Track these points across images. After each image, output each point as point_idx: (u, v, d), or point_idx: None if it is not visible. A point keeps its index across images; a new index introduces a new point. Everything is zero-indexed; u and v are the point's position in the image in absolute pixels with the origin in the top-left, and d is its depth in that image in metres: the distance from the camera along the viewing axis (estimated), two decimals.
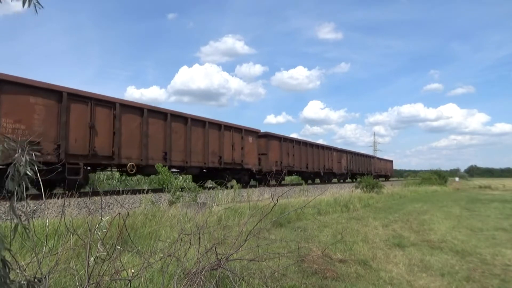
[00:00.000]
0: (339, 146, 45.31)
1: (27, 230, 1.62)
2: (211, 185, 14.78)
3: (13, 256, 1.91)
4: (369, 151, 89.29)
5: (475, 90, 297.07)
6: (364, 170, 36.79)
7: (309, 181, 25.84)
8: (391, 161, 55.04)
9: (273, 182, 18.03)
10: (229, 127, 15.87)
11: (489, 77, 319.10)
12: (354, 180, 36.03)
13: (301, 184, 19.96)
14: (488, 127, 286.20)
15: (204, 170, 15.25)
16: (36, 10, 1.53)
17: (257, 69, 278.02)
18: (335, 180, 30.15)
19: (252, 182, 21.43)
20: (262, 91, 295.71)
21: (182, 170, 13.42)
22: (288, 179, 28.64)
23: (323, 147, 26.97)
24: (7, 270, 1.40)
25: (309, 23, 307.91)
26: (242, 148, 16.49)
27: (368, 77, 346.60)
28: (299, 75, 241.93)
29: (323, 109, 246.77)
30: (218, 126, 15.18)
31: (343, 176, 31.63)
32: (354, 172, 34.09)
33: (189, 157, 13.26)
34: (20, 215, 1.54)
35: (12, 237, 1.51)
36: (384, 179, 44.29)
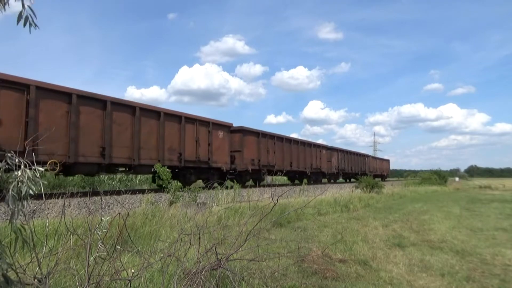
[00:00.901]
0: (340, 146, 44.15)
1: (27, 242, 1.61)
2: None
3: (12, 257, 1.91)
4: (369, 151, 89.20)
5: (475, 90, 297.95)
6: (358, 169, 35.18)
7: (296, 182, 23.82)
8: (388, 161, 53.56)
9: (251, 183, 16.93)
10: (192, 120, 13.74)
11: (489, 77, 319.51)
12: (347, 180, 34.86)
13: (286, 185, 19.29)
14: (488, 127, 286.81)
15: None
16: (30, 30, 1.51)
17: (258, 69, 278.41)
18: (325, 180, 28.37)
19: (251, 182, 20.93)
20: (262, 91, 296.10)
21: (129, 168, 11.49)
22: (272, 179, 26.85)
23: (310, 144, 24.75)
24: (9, 285, 1.40)
25: (310, 23, 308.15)
26: (209, 144, 14.44)
27: (369, 77, 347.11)
28: (299, 75, 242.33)
29: (323, 109, 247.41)
30: (178, 118, 13.09)
31: (333, 176, 29.72)
32: (347, 171, 32.37)
33: (138, 154, 11.22)
34: (20, 230, 1.53)
35: (13, 249, 1.50)
36: (380, 179, 43.62)
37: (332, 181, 29.14)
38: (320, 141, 54.40)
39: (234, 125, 16.75)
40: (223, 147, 15.39)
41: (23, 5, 1.46)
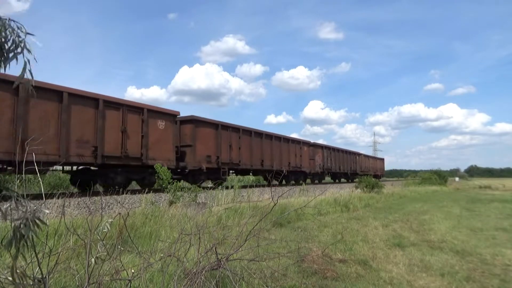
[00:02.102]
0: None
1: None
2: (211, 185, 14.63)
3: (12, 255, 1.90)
4: (369, 151, 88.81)
5: (475, 90, 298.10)
6: (347, 168, 31.96)
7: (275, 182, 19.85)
8: (382, 160, 50.24)
9: (209, 184, 14.06)
10: (117, 105, 10.69)
11: (489, 77, 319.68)
12: (336, 181, 31.98)
13: (261, 186, 16.42)
14: (488, 127, 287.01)
15: (78, 167, 11.08)
16: (29, 91, 1.51)
17: (258, 69, 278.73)
18: (308, 181, 25.00)
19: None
20: (263, 91, 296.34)
21: (10, 166, 8.68)
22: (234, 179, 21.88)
23: (287, 139, 21.51)
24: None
25: (310, 23, 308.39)
26: (143, 136, 11.39)
27: (369, 77, 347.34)
28: (299, 75, 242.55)
29: (323, 109, 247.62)
30: (93, 101, 10.02)
31: (317, 176, 26.36)
32: (334, 171, 29.17)
33: (21, 146, 7.98)
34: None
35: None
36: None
37: (316, 181, 25.73)
38: (320, 141, 52.06)
39: (176, 113, 13.12)
40: (165, 141, 12.27)
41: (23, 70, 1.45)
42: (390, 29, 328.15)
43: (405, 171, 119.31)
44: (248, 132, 17.52)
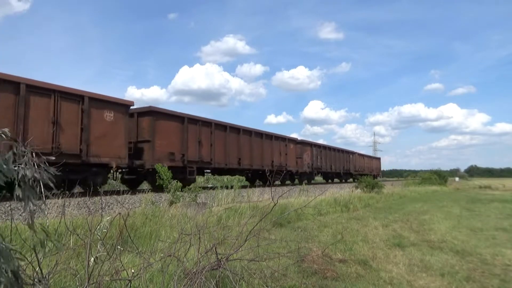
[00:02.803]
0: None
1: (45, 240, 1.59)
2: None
3: (24, 256, 1.90)
4: (369, 151, 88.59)
5: (475, 90, 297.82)
6: (340, 168, 30.17)
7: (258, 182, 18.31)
8: (378, 159, 48.60)
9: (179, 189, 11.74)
10: (46, 91, 9.03)
11: (490, 77, 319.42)
12: (328, 181, 30.59)
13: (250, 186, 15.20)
14: (488, 127, 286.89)
15: None
16: None
17: (258, 69, 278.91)
18: (296, 181, 23.19)
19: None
20: (263, 91, 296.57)
21: None
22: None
23: (270, 136, 19.57)
24: (19, 282, 1.40)
25: (310, 22, 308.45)
26: (82, 130, 9.65)
27: (369, 77, 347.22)
28: (300, 75, 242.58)
29: (323, 109, 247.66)
30: (14, 86, 8.38)
31: (305, 175, 24.13)
32: (324, 170, 27.24)
33: None
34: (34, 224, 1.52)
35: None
36: None
37: (305, 182, 23.12)
38: (320, 141, 50.84)
39: (129, 103, 11.27)
40: (114, 135, 10.55)
41: None
42: (390, 29, 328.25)
43: (405, 171, 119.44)
44: (222, 127, 15.67)
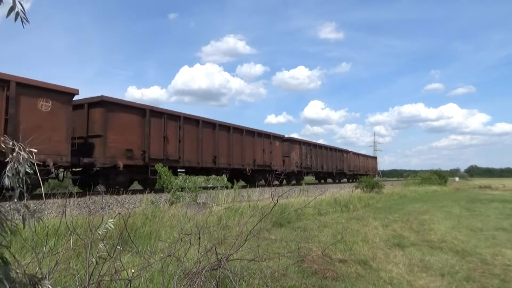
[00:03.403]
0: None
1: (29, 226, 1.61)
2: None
3: (13, 256, 1.91)
4: (369, 151, 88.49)
5: (476, 90, 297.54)
6: (332, 167, 28.63)
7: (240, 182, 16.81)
8: (375, 158, 47.26)
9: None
10: None
11: (490, 77, 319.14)
12: (321, 181, 29.39)
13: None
14: (488, 127, 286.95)
15: None
16: (23, 25, 1.50)
17: (258, 69, 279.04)
18: (285, 182, 21.36)
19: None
20: (263, 91, 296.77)
21: None
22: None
23: (252, 132, 17.80)
24: (7, 267, 1.40)
25: (311, 22, 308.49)
26: (7, 121, 8.24)
27: (369, 77, 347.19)
28: (300, 75, 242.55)
29: (323, 109, 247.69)
30: None
31: (294, 175, 22.32)
32: (315, 170, 25.53)
33: None
34: (24, 213, 1.53)
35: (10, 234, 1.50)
36: None
37: (293, 182, 21.87)
38: (320, 141, 49.50)
39: (67, 92, 9.49)
40: (52, 128, 9.11)
41: (13, 1, 1.46)
42: (390, 29, 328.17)
43: (405, 171, 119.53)
44: (193, 121, 13.99)
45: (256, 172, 17.77)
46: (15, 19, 1.46)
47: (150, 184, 11.89)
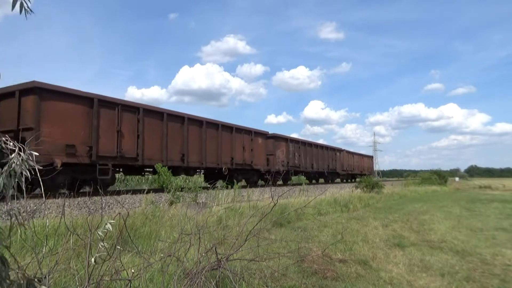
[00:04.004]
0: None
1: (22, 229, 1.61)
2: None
3: (13, 256, 1.91)
4: (369, 151, 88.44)
5: (476, 90, 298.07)
6: (324, 167, 26.82)
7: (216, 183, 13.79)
8: (371, 157, 45.45)
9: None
10: None
11: (490, 77, 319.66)
12: (313, 182, 27.52)
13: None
14: (488, 127, 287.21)
15: None
16: (26, 16, 1.50)
17: (258, 69, 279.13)
18: (279, 182, 19.79)
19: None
20: (263, 91, 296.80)
21: None
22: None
23: (230, 128, 16.02)
24: (6, 267, 1.40)
25: (311, 22, 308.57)
26: None
27: (369, 77, 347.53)
28: (300, 75, 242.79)
29: (323, 109, 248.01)
30: None
31: (279, 175, 19.00)
32: (304, 170, 23.58)
33: None
34: (16, 215, 1.53)
35: (9, 235, 1.50)
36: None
37: (279, 182, 20.19)
38: (320, 141, 48.01)
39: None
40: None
41: None
42: (390, 29, 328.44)
43: (405, 171, 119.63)
44: (156, 114, 12.17)
45: (234, 172, 16.12)
46: (20, 10, 1.46)
47: (99, 185, 10.17)
